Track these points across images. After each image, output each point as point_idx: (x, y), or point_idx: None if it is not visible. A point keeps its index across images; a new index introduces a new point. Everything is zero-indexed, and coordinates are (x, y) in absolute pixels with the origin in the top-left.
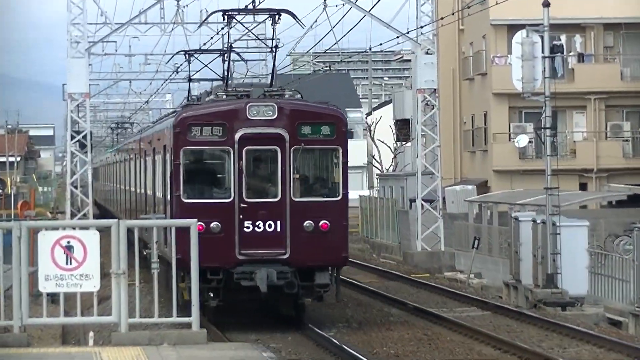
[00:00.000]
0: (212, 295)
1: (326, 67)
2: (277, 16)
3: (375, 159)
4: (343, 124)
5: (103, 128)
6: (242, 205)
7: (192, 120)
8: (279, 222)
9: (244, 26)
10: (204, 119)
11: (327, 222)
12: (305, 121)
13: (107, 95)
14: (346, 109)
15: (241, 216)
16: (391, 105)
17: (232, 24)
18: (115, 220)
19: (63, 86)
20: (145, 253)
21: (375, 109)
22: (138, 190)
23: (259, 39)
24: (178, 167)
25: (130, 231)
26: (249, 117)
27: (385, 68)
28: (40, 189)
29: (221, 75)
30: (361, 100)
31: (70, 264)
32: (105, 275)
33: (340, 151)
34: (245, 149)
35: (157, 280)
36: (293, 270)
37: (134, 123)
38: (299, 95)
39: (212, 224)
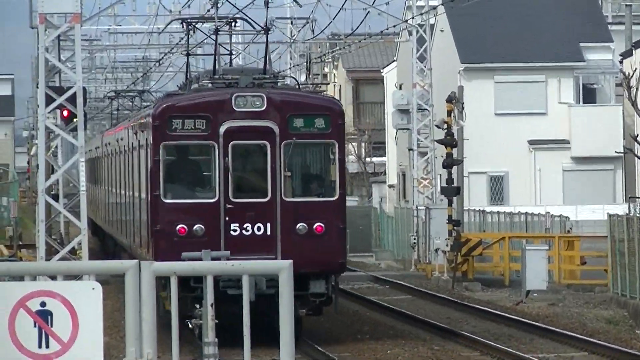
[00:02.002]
0: (197, 306)
1: None
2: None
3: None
4: (339, 115)
5: (106, 83)
6: (228, 205)
7: (173, 112)
8: (268, 225)
9: (234, 5)
10: (185, 110)
11: (322, 224)
12: (297, 113)
13: (114, 17)
14: (582, 44)
15: (227, 218)
16: None
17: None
18: (133, 262)
19: (30, 2)
20: (191, 326)
21: (638, 44)
22: (124, 194)
23: (249, 19)
24: (157, 164)
25: (162, 282)
26: (235, 108)
27: None
28: None
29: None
30: (611, 29)
31: (47, 346)
32: None
33: (337, 146)
34: (231, 143)
35: None
36: None
37: (144, 91)
38: (294, 83)
39: (195, 227)
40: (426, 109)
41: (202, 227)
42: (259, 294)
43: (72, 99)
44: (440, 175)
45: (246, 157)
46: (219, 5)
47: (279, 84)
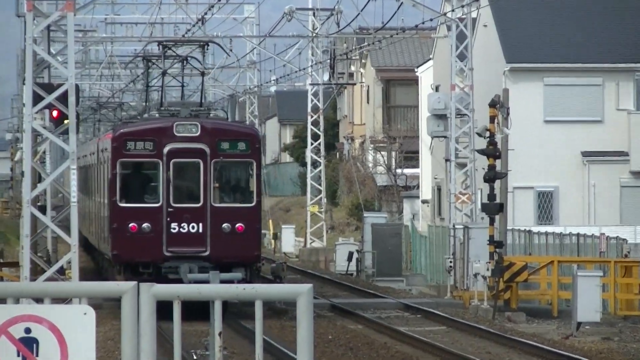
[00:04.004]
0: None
1: None
2: (205, 46)
3: None
4: (257, 140)
5: (102, 80)
6: (169, 209)
7: (127, 136)
8: (200, 224)
9: (178, 55)
10: (137, 134)
11: (242, 224)
12: (224, 138)
13: (111, 5)
14: None
15: (168, 219)
16: None
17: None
18: (131, 283)
19: None
20: (196, 357)
21: None
22: (97, 201)
23: (191, 65)
24: (115, 175)
25: (163, 307)
26: (176, 133)
27: None
28: None
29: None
30: None
31: None
32: None
33: (255, 164)
34: (172, 161)
35: None
36: (213, 265)
37: (123, 103)
38: (223, 115)
39: (143, 225)
40: (466, 115)
41: (149, 225)
42: (192, 278)
43: (63, 98)
44: (481, 190)
45: (184, 172)
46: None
47: (211, 114)
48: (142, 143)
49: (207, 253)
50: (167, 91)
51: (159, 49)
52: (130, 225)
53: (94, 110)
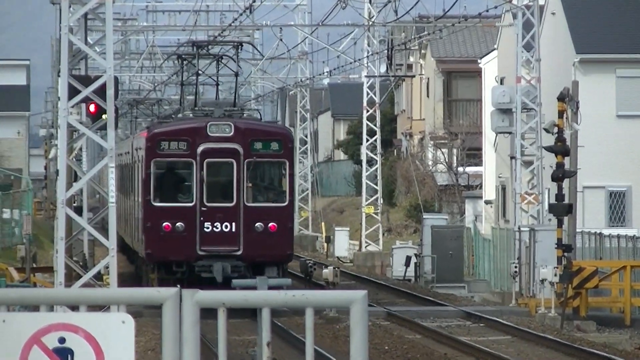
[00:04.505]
0: (178, 286)
1: None
2: (239, 46)
3: None
4: (290, 140)
5: (142, 72)
6: (203, 208)
7: (161, 136)
8: (233, 223)
9: (212, 55)
10: (171, 134)
11: (274, 224)
12: (257, 138)
13: None
14: None
15: (202, 218)
16: None
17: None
18: (172, 289)
19: None
20: None
21: None
22: (131, 200)
23: (225, 65)
24: (149, 175)
25: (206, 315)
26: (209, 133)
27: None
28: None
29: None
30: None
31: None
32: None
33: (287, 164)
34: (205, 161)
35: None
36: (245, 264)
37: (161, 100)
38: (257, 115)
39: (177, 224)
40: (533, 109)
41: (183, 224)
42: (225, 276)
43: (101, 91)
44: (549, 189)
45: (217, 171)
46: (222, 35)
47: (245, 114)
48: (175, 143)
49: (240, 252)
50: (205, 90)
51: (192, 49)
52: (164, 224)
53: (130, 106)
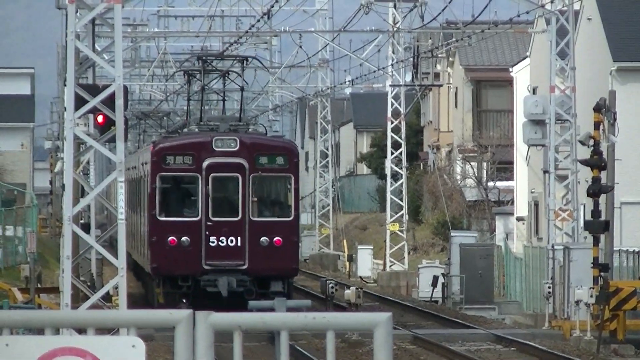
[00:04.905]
0: (184, 301)
1: None
2: (245, 61)
3: None
4: (295, 155)
5: (153, 81)
6: (208, 223)
7: (167, 151)
8: (239, 238)
9: (218, 70)
10: (177, 149)
11: (280, 238)
12: (262, 152)
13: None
14: None
15: (207, 232)
16: None
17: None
18: (186, 311)
19: None
20: None
21: None
22: (136, 215)
23: (230, 79)
24: (154, 189)
25: (221, 338)
26: (215, 148)
27: None
28: None
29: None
30: None
31: None
32: None
33: (292, 178)
34: (211, 175)
35: None
36: (251, 279)
37: (170, 113)
38: (262, 129)
39: (182, 238)
40: (567, 120)
41: (188, 239)
42: (230, 291)
43: (110, 101)
44: (584, 205)
45: (223, 186)
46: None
47: (250, 129)
48: (181, 157)
49: (245, 266)
50: (212, 104)
51: (198, 64)
52: (170, 238)
53: (139, 119)
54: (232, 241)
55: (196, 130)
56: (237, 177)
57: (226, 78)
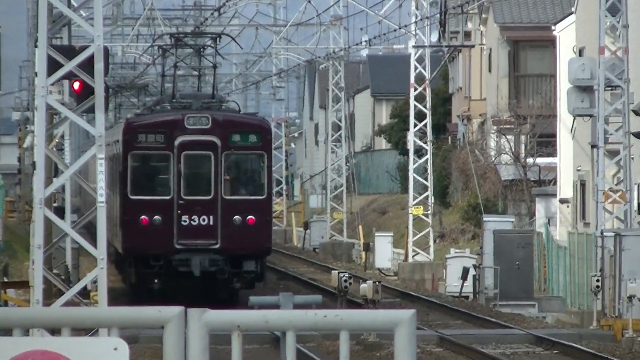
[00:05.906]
0: (156, 281)
1: None
2: (217, 38)
3: None
4: (268, 132)
5: (138, 41)
6: (180, 202)
7: (139, 129)
8: (211, 217)
9: (190, 46)
10: (148, 127)
11: (253, 217)
12: (235, 130)
13: None
14: None
15: (179, 211)
16: None
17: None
18: (176, 309)
19: None
20: None
21: None
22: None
23: (204, 57)
24: (126, 168)
25: (216, 339)
26: (187, 126)
27: None
28: None
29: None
30: None
31: None
32: None
33: (266, 156)
34: (183, 153)
35: None
36: (224, 258)
37: (147, 85)
38: (235, 106)
39: (154, 218)
40: (619, 86)
41: (160, 218)
42: (203, 270)
43: (88, 65)
44: (638, 185)
45: (195, 164)
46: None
47: (223, 107)
48: (153, 135)
49: (218, 246)
50: (190, 80)
51: (170, 41)
52: (141, 217)
53: (115, 92)
54: (204, 220)
55: (168, 107)
56: (210, 155)
57: (201, 54)
